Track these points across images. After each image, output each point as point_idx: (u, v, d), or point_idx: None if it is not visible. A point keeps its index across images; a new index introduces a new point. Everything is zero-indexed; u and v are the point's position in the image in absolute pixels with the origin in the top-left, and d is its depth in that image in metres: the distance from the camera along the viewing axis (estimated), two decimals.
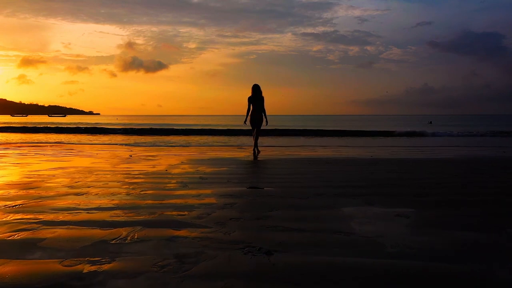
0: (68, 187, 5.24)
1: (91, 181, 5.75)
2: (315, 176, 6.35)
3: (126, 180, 5.90)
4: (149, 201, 4.32)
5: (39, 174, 6.53)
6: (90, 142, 16.84)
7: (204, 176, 6.33)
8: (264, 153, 10.94)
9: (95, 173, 6.64)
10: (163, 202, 4.29)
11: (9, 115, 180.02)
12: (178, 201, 4.33)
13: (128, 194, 4.72)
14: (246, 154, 10.96)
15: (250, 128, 10.70)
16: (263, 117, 10.45)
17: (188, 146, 14.12)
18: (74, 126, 25.53)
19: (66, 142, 16.64)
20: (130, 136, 21.64)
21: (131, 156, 10.44)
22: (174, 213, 3.77)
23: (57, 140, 17.74)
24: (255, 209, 3.94)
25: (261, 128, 10.67)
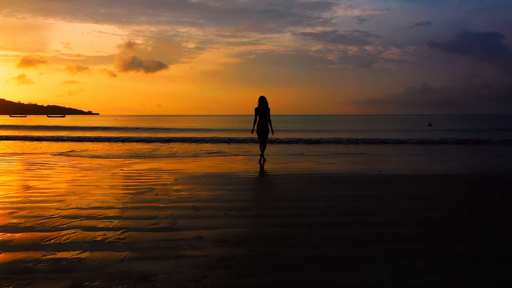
0: (37, 226, 4.46)
1: (66, 212, 4.99)
2: (323, 205, 5.58)
3: (106, 212, 5.12)
4: (127, 254, 3.54)
5: (5, 201, 5.74)
6: (81, 152, 16.06)
7: (198, 204, 5.56)
8: (268, 166, 10.23)
9: (74, 199, 5.86)
10: (144, 252, 3.53)
11: (8, 115, 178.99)
12: (164, 253, 3.56)
13: (103, 240, 3.95)
14: (246, 167, 10.20)
15: (256, 137, 11.50)
16: (269, 127, 11.07)
17: (185, 157, 13.35)
18: (84, 136, 24.69)
19: (55, 152, 15.85)
20: (125, 144, 20.86)
21: (121, 170, 9.69)
22: (156, 279, 2.99)
23: (44, 151, 16.97)
24: (256, 269, 3.16)
25: (268, 137, 11.37)
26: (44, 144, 19.62)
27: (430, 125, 51.26)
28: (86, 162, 11.41)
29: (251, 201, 5.98)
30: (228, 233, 4.16)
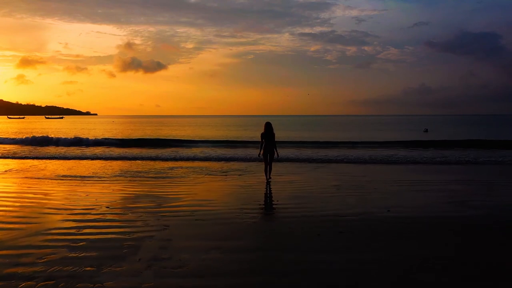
0: None
1: None
2: (332, 283, 4.82)
3: None
4: None
5: None
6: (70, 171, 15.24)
7: (184, 285, 4.78)
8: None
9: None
10: None
11: (6, 117, 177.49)
12: None
13: None
14: (244, 200, 9.37)
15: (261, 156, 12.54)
16: (275, 150, 12.37)
17: (178, 183, 12.54)
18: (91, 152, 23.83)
19: (52, 176, 15.00)
20: (121, 162, 20.12)
21: (108, 208, 8.87)
22: None
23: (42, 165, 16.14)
24: None
25: (273, 159, 12.55)
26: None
27: (426, 131, 50.39)
28: (76, 184, 10.54)
29: (245, 276, 5.13)
30: None
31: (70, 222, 7.61)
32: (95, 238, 6.61)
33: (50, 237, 6.69)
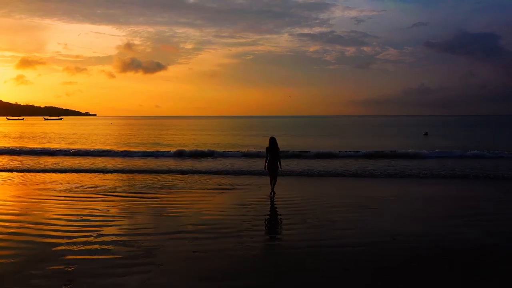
0: None
1: None
2: None
3: None
4: None
5: None
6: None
7: None
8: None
9: None
10: None
11: (4, 117, 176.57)
12: None
13: None
14: (243, 224, 8.95)
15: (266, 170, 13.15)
16: (279, 164, 12.97)
17: (180, 202, 12.15)
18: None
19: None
20: (121, 176, 19.75)
21: (101, 236, 8.48)
22: None
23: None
24: None
25: (277, 172, 13.10)
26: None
27: (426, 134, 49.84)
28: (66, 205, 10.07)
29: None
30: None
31: (60, 257, 7.19)
32: (83, 279, 6.20)
33: (34, 276, 6.28)
